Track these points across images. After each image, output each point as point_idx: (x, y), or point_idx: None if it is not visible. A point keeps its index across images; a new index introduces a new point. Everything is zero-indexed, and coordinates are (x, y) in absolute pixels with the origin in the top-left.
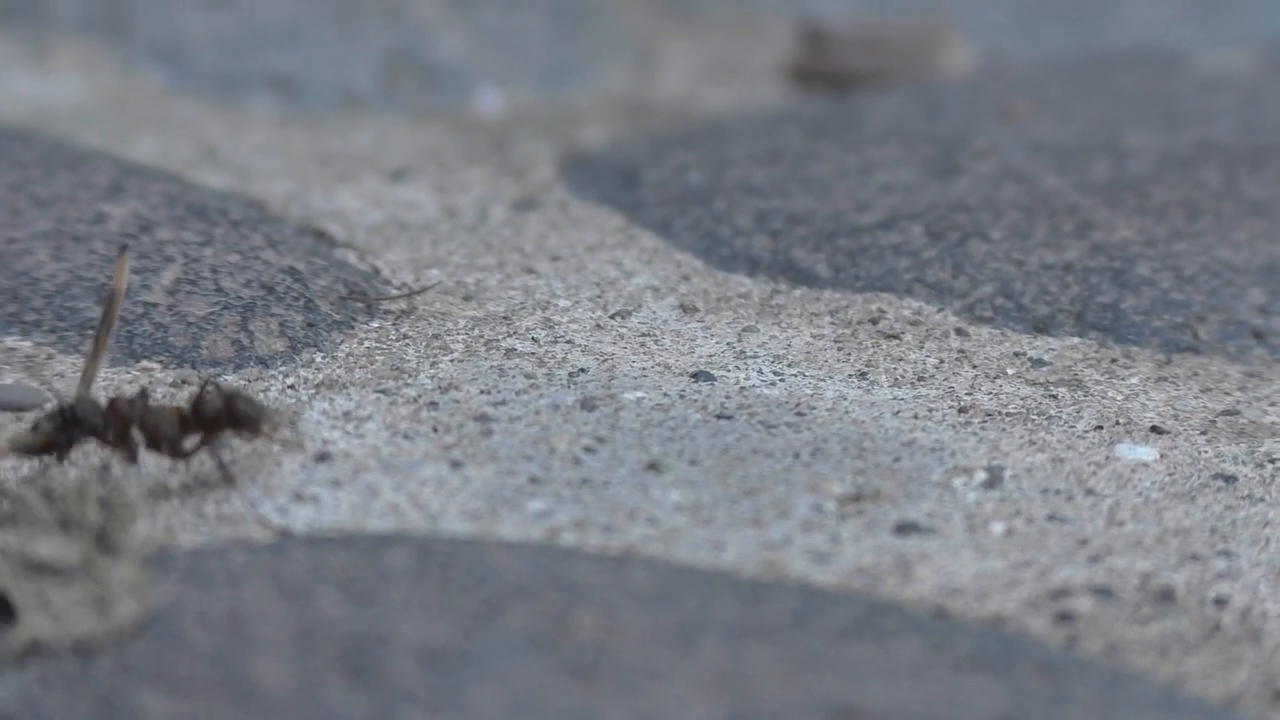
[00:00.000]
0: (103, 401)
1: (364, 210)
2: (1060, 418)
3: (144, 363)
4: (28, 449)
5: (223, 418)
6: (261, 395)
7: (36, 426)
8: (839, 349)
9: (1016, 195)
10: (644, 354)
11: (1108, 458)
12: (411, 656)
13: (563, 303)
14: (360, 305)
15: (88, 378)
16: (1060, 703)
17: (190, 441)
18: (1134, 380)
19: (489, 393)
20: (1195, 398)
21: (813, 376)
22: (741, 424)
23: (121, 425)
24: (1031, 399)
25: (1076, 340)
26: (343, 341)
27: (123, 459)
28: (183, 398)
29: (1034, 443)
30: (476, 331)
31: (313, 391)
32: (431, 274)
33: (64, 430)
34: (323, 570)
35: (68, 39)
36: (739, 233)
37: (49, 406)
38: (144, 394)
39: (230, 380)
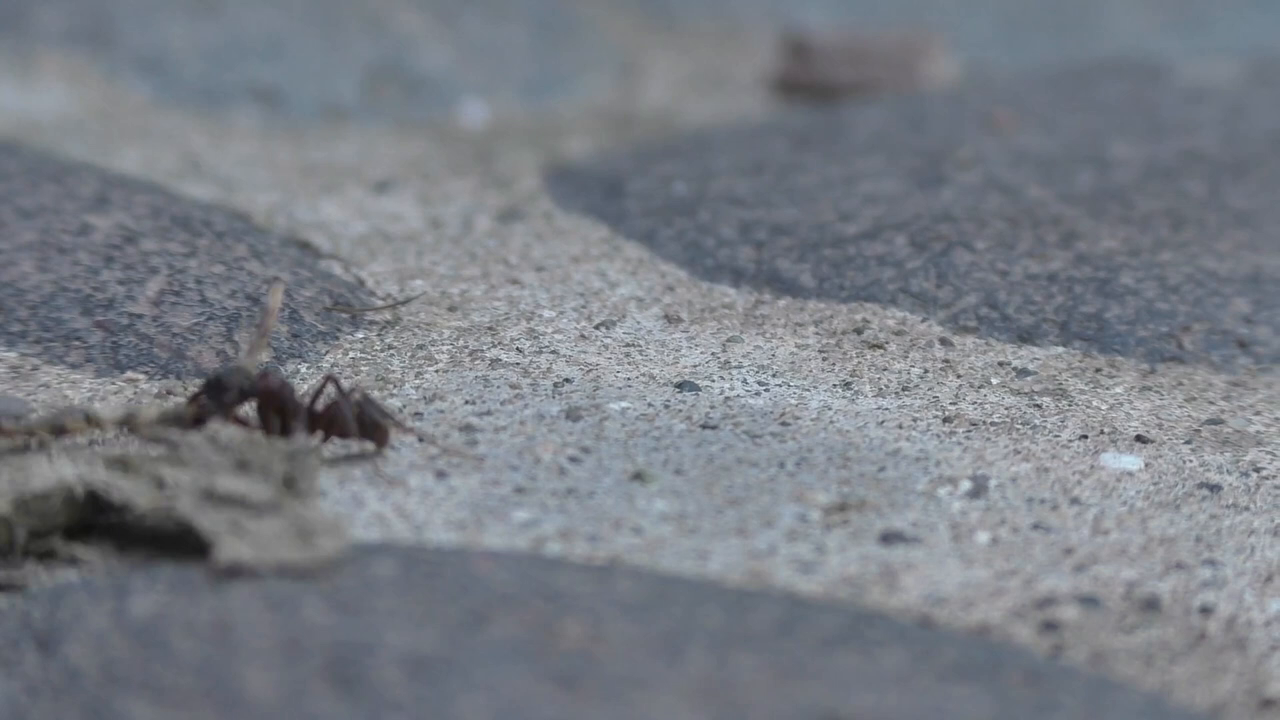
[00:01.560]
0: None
1: (348, 221)
2: (1045, 427)
3: (129, 373)
4: (178, 421)
5: (351, 426)
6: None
7: (192, 400)
8: (823, 359)
9: (1001, 205)
10: (629, 364)
11: (1092, 467)
12: (397, 666)
13: (547, 313)
14: (345, 316)
15: (254, 349)
16: (1046, 711)
17: (315, 437)
18: (1118, 390)
19: (474, 403)
20: (1180, 407)
21: (797, 386)
22: (726, 434)
23: (266, 400)
24: (1016, 408)
25: (1061, 350)
26: (328, 352)
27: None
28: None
29: (1019, 452)
30: (461, 342)
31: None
32: (416, 285)
33: (215, 399)
34: (309, 580)
35: (52, 51)
36: (723, 243)
37: (198, 382)
38: (287, 381)
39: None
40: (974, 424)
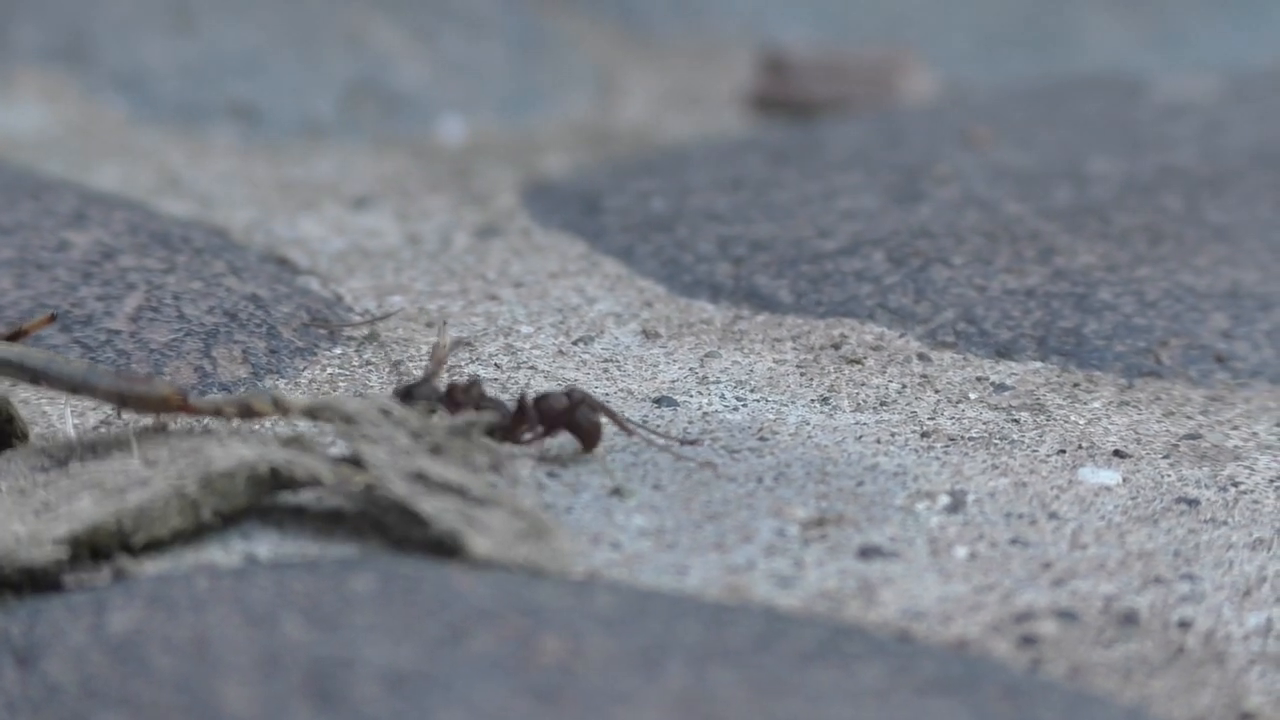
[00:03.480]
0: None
1: (326, 238)
2: (1023, 442)
3: None
4: None
5: (561, 418)
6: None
7: None
8: (801, 374)
9: (978, 221)
10: (607, 380)
11: (1070, 482)
12: (377, 681)
13: (525, 329)
14: (323, 332)
15: (431, 375)
16: None
17: (527, 434)
18: (1096, 404)
19: None
20: (1158, 422)
21: (775, 402)
22: (704, 449)
23: (456, 409)
24: (994, 423)
25: (1039, 365)
26: (305, 368)
27: None
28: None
29: (996, 467)
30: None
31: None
32: (394, 301)
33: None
34: (287, 595)
35: (29, 68)
36: (701, 259)
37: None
38: (477, 382)
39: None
40: (952, 439)
